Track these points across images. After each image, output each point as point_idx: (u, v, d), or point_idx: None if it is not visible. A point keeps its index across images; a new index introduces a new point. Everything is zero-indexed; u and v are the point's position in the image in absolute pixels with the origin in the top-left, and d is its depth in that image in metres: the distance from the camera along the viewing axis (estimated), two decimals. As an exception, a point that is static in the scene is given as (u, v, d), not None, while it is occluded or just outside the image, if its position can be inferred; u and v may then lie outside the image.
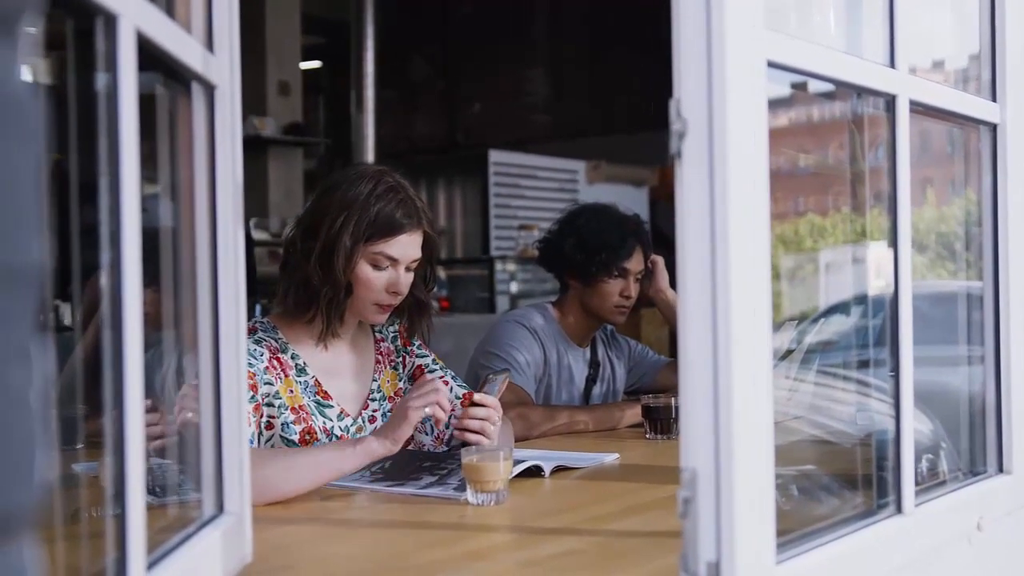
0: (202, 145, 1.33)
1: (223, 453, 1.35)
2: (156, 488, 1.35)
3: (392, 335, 2.41)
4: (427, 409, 1.96)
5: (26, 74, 0.60)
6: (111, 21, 0.98)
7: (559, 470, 2.17)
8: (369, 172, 2.22)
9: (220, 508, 1.35)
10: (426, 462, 2.14)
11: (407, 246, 2.20)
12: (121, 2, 0.98)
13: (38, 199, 0.58)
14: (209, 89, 1.33)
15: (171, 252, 1.32)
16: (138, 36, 1.02)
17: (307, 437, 2.16)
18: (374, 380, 2.34)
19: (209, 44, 1.33)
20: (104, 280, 1.00)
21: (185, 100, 1.31)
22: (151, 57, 1.09)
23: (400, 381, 2.39)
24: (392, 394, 2.36)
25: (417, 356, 2.42)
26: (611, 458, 2.33)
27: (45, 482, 0.60)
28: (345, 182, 2.19)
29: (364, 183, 2.17)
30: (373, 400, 2.33)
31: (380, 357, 2.37)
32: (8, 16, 0.58)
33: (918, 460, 1.56)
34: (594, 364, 3.11)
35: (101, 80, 0.99)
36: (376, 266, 2.18)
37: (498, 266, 7.32)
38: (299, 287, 2.19)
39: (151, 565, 1.07)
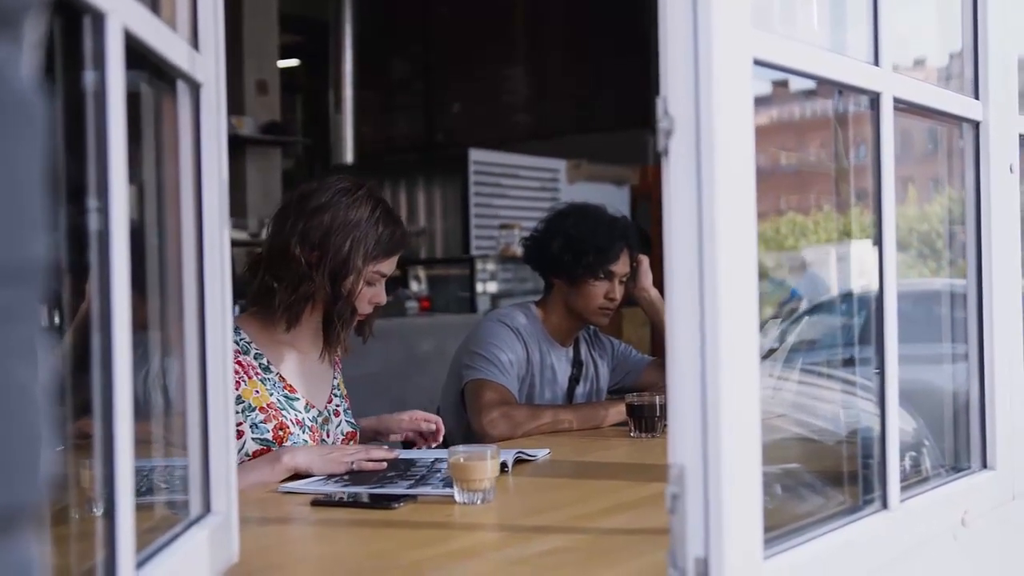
0: (187, 144, 1.32)
1: (210, 453, 1.35)
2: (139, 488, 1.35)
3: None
4: (354, 466, 2.11)
5: (30, 73, 0.60)
6: (99, 19, 0.97)
7: (518, 463, 2.21)
8: (363, 193, 2.27)
9: (207, 508, 1.34)
10: (410, 468, 2.14)
11: (395, 262, 2.32)
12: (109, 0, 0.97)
13: (42, 196, 0.58)
14: (195, 87, 1.32)
15: (156, 252, 1.31)
16: (125, 34, 1.01)
17: (280, 433, 2.21)
18: (335, 378, 2.43)
19: (194, 42, 1.32)
20: (92, 281, 0.99)
21: (170, 99, 1.30)
22: (136, 55, 1.09)
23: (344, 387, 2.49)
24: (345, 394, 2.46)
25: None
26: (543, 453, 2.35)
27: (50, 478, 0.60)
28: (340, 202, 2.24)
29: (362, 205, 2.25)
30: (336, 396, 2.41)
31: (336, 359, 2.46)
32: (12, 15, 0.58)
33: (901, 457, 1.57)
34: (577, 363, 3.11)
35: (88, 78, 0.98)
36: (370, 283, 2.27)
37: (479, 265, 7.30)
38: (301, 300, 2.23)
39: (139, 564, 1.06)
